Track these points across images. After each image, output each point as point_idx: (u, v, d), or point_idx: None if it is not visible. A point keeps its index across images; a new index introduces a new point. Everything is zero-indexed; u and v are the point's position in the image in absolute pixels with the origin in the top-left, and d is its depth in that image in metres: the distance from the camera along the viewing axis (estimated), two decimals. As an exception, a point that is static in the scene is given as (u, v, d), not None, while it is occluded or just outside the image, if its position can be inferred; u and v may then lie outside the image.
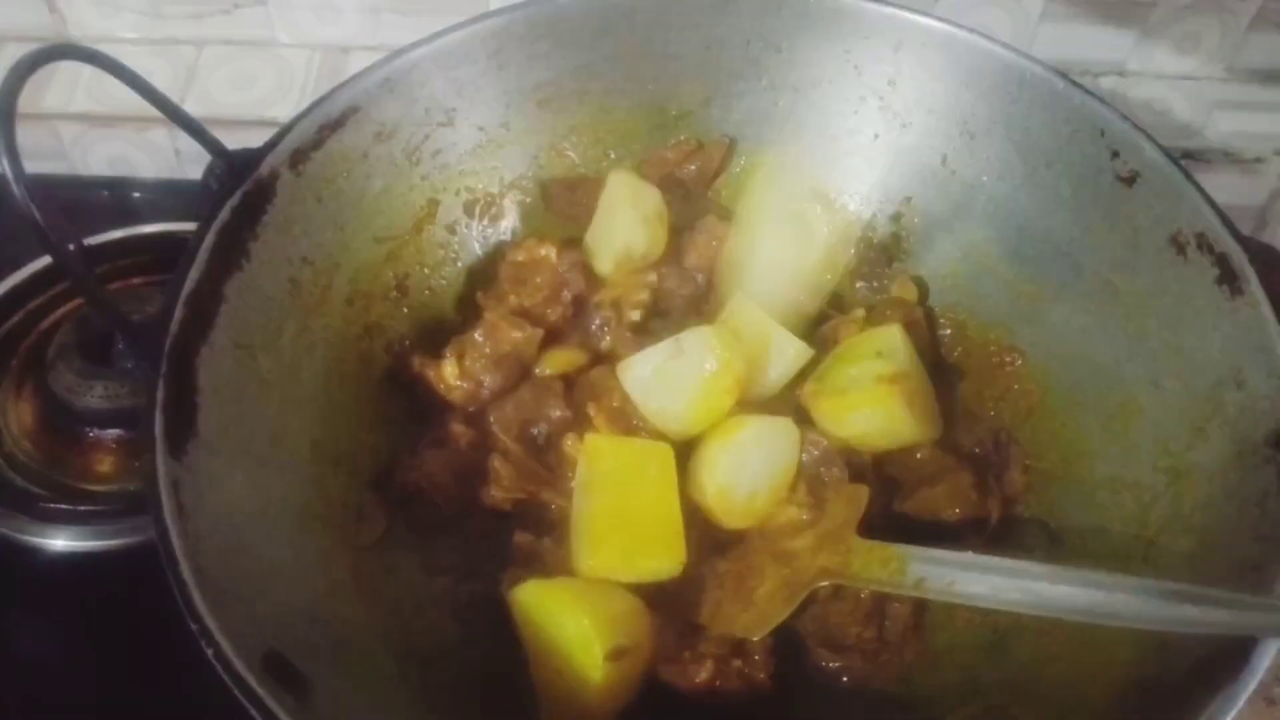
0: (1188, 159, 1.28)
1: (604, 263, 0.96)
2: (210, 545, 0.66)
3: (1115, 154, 0.85)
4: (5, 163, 0.65)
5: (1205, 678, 0.62)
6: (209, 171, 0.79)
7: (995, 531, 0.84)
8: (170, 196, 1.27)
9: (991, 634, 0.79)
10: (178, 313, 0.72)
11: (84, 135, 1.27)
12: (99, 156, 1.29)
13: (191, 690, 0.87)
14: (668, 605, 0.78)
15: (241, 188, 0.79)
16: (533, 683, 0.75)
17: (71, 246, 0.71)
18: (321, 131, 0.84)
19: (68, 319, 1.07)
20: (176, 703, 0.89)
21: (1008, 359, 0.92)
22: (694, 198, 1.01)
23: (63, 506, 0.96)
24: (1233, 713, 0.59)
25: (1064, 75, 0.88)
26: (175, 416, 0.69)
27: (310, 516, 0.78)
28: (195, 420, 0.71)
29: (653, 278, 0.96)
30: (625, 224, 0.95)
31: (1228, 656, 0.62)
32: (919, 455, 0.88)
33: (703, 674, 0.75)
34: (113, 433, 1.02)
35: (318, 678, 0.64)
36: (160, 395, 0.68)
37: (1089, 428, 0.85)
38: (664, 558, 0.77)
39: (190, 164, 1.29)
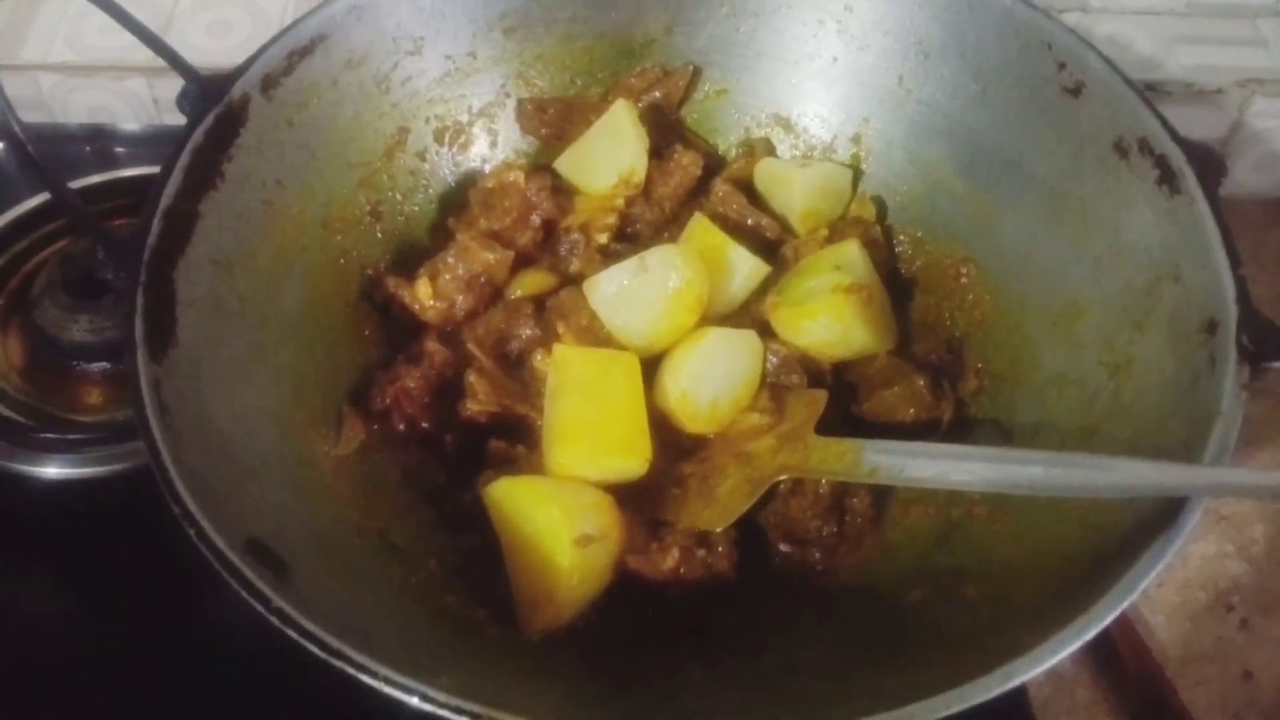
0: (1150, 92, 1.30)
1: (600, 180, 0.99)
2: (191, 442, 0.69)
3: (1061, 66, 0.88)
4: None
5: (1137, 541, 0.65)
6: (182, 95, 0.82)
7: (948, 432, 0.88)
8: (151, 145, 1.29)
9: (943, 525, 0.82)
10: (155, 226, 0.75)
11: (62, 85, 1.29)
12: (78, 106, 1.31)
13: (183, 609, 0.93)
14: (636, 504, 0.82)
15: (214, 110, 0.81)
16: (508, 576, 0.78)
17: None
18: (291, 58, 0.87)
19: (51, 259, 1.10)
20: (168, 622, 0.92)
21: (962, 270, 0.95)
22: (660, 125, 1.03)
23: (53, 436, 1.00)
24: (1159, 566, 0.63)
25: (1010, -9, 0.90)
26: (155, 323, 0.72)
27: (290, 425, 0.81)
28: (175, 329, 0.74)
29: (620, 203, 0.99)
30: (632, 149, 0.98)
31: (1157, 522, 0.66)
32: (876, 363, 0.91)
33: (668, 562, 0.78)
34: (99, 365, 1.05)
35: (297, 565, 0.68)
36: (140, 302, 0.72)
37: (1037, 331, 0.88)
38: (630, 456, 0.81)
39: (169, 112, 1.31)
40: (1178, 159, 0.80)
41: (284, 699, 0.87)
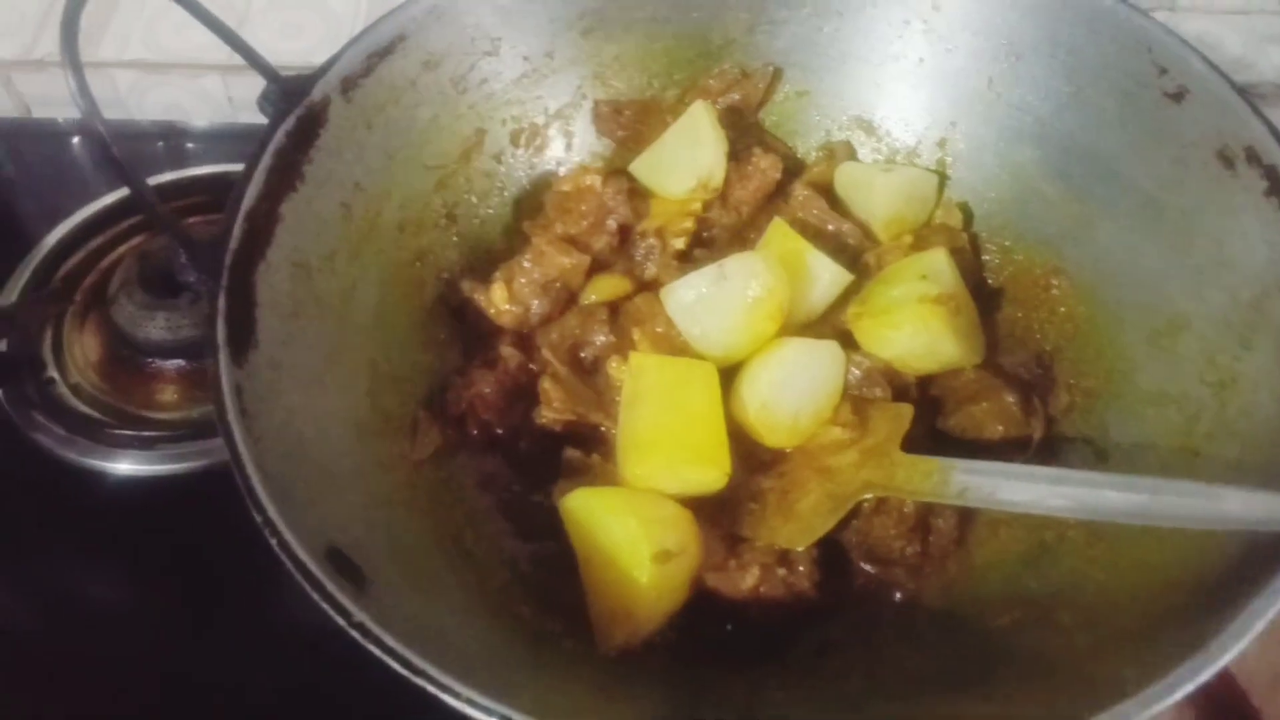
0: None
1: (677, 183, 0.97)
2: (272, 448, 0.68)
3: (1162, 70, 0.84)
4: (77, 97, 0.67)
5: (1247, 575, 0.62)
6: (263, 97, 0.81)
7: (1039, 450, 0.85)
8: (221, 141, 1.30)
9: (1035, 547, 0.79)
10: (237, 228, 0.74)
11: (139, 82, 1.30)
12: (153, 103, 1.32)
13: (250, 607, 0.92)
14: (714, 519, 0.80)
15: (295, 112, 0.81)
16: (584, 588, 0.77)
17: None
18: (370, 59, 0.86)
19: (128, 256, 1.11)
20: (236, 619, 0.93)
21: (1053, 281, 0.91)
22: (738, 127, 1.01)
23: (127, 432, 1.00)
24: (1277, 605, 0.59)
25: (1109, -10, 0.87)
26: (236, 326, 0.71)
27: (366, 429, 0.80)
28: (255, 332, 0.73)
29: (697, 207, 0.97)
30: (710, 151, 0.95)
31: (1268, 552, 0.62)
32: (963, 377, 0.88)
33: (748, 580, 0.76)
34: (174, 363, 1.06)
35: (375, 574, 0.66)
36: (222, 305, 0.71)
37: (1134, 345, 0.84)
38: (709, 468, 0.78)
39: (244, 110, 1.31)
40: (1289, 168, 0.76)
41: (350, 693, 0.86)
